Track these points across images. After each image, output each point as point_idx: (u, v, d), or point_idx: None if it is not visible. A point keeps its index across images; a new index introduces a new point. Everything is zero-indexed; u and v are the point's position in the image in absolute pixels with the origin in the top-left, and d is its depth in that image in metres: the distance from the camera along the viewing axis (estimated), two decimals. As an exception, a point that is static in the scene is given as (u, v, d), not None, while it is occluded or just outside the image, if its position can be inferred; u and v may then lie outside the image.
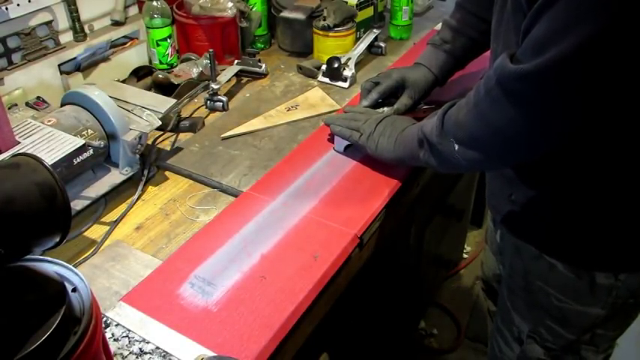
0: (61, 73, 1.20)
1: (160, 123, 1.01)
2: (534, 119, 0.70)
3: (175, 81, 1.24)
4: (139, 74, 1.28)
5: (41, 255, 0.56)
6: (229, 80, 1.29)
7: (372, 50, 1.46)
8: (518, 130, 0.72)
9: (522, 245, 0.92)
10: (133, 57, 1.34)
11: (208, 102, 1.23)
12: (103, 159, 0.98)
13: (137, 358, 0.69)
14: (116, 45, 1.32)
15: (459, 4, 1.11)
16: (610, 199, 0.80)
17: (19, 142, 0.85)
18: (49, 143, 0.86)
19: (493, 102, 0.72)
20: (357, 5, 1.42)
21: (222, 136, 1.13)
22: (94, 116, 0.95)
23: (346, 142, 1.03)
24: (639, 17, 0.59)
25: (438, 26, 1.53)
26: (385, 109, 1.10)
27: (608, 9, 0.59)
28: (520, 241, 0.93)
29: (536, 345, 0.98)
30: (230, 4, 1.33)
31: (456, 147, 0.80)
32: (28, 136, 0.87)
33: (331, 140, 1.07)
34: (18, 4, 1.08)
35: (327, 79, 1.33)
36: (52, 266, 0.55)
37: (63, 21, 1.20)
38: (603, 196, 0.80)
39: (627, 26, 0.59)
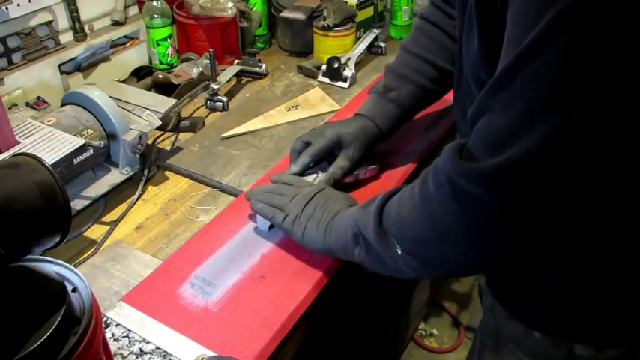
0: (61, 73, 1.20)
1: (160, 123, 1.01)
2: (489, 224, 0.59)
3: (175, 81, 1.24)
4: (139, 74, 1.28)
5: (41, 255, 0.56)
6: (229, 80, 1.29)
7: (372, 50, 1.46)
8: (471, 236, 0.61)
9: (496, 304, 0.79)
10: (133, 57, 1.34)
11: (208, 102, 1.23)
12: (103, 159, 0.98)
13: (137, 358, 0.69)
14: (116, 45, 1.32)
15: (403, 47, 0.98)
16: (587, 278, 0.69)
17: (19, 142, 0.85)
18: (49, 143, 0.86)
19: (443, 200, 0.61)
20: (357, 5, 1.42)
21: (222, 136, 1.13)
22: (94, 116, 0.95)
23: (269, 222, 0.85)
24: (614, 101, 0.50)
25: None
26: (319, 174, 0.93)
27: (580, 94, 0.50)
28: (495, 301, 0.80)
29: None
30: (230, 4, 1.33)
31: (399, 251, 0.67)
32: (28, 136, 0.87)
33: (252, 217, 0.89)
34: (18, 4, 1.08)
35: (327, 79, 1.33)
36: (52, 266, 0.55)
37: (63, 21, 1.20)
38: (580, 276, 0.70)
39: (603, 112, 0.50)
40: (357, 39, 1.43)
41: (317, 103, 1.25)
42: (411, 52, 0.96)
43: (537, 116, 0.51)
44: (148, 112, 1.01)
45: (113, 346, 0.69)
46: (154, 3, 1.29)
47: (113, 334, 0.71)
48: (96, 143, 0.93)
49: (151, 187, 1.01)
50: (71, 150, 0.86)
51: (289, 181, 0.89)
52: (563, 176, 0.54)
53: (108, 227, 0.91)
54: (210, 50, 1.18)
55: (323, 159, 0.95)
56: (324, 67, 1.33)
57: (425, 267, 0.67)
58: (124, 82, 1.24)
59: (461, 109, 0.74)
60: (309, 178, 0.92)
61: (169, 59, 1.35)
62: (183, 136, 1.14)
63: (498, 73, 0.54)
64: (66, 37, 1.21)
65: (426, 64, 0.94)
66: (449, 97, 0.93)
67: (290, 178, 0.90)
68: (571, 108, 0.50)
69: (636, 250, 0.67)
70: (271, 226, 0.86)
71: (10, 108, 1.04)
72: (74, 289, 0.53)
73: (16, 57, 1.13)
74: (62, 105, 0.98)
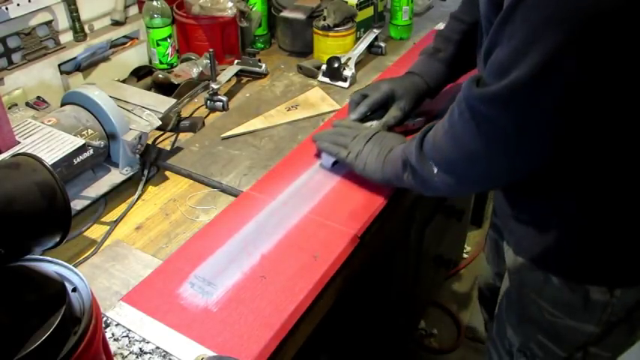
0: (61, 73, 1.20)
1: (160, 123, 1.01)
2: (504, 142, 0.68)
3: (175, 81, 1.24)
4: (139, 74, 1.29)
5: (41, 255, 0.56)
6: (229, 80, 1.29)
7: (372, 50, 1.46)
8: (490, 153, 0.71)
9: (519, 257, 0.89)
10: (133, 57, 1.34)
11: (208, 102, 1.23)
12: (103, 159, 0.98)
13: (137, 357, 0.69)
14: (116, 45, 1.32)
15: (453, 15, 1.08)
16: (603, 212, 0.77)
17: (19, 142, 0.85)
18: (49, 143, 0.86)
19: (465, 124, 0.71)
20: (357, 5, 1.42)
21: (222, 136, 1.13)
22: (94, 116, 0.95)
23: (333, 159, 0.98)
24: (601, 26, 0.57)
25: (439, 25, 1.54)
26: (374, 122, 1.05)
27: (567, 21, 0.58)
28: (517, 254, 0.89)
29: None
30: (230, 4, 1.33)
31: (435, 170, 0.78)
32: (28, 136, 0.87)
33: (318, 155, 1.02)
34: (18, 4, 1.08)
35: (327, 79, 1.33)
36: (52, 266, 0.55)
37: (63, 21, 1.20)
38: (596, 209, 0.77)
39: (589, 37, 0.58)
40: (357, 39, 1.43)
41: (317, 103, 1.25)
42: (458, 18, 1.06)
43: (533, 42, 0.60)
44: (148, 112, 1.01)
45: (113, 346, 0.69)
46: (154, 3, 1.29)
47: (113, 334, 0.71)
48: (96, 143, 0.93)
49: (151, 187, 1.01)
50: (71, 150, 0.86)
51: (350, 125, 1.03)
52: (562, 97, 0.62)
53: (108, 227, 0.91)
54: (210, 50, 1.17)
55: (378, 109, 1.06)
56: (324, 67, 1.33)
57: (457, 183, 0.78)
58: (124, 82, 1.24)
59: (481, 57, 0.81)
60: (366, 125, 1.04)
61: (169, 59, 1.35)
62: (183, 136, 1.14)
63: (503, 11, 0.63)
64: (66, 37, 1.21)
65: (471, 27, 1.01)
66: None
67: (350, 122, 1.04)
68: (560, 34, 0.58)
69: None
70: (334, 163, 0.99)
71: (10, 108, 1.04)
72: (74, 289, 0.53)
73: (16, 57, 1.13)
74: (62, 105, 0.98)
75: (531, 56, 0.60)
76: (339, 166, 0.99)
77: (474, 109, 0.69)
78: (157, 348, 0.69)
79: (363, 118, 1.06)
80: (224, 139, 1.13)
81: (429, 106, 1.11)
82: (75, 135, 0.90)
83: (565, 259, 0.82)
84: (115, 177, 0.97)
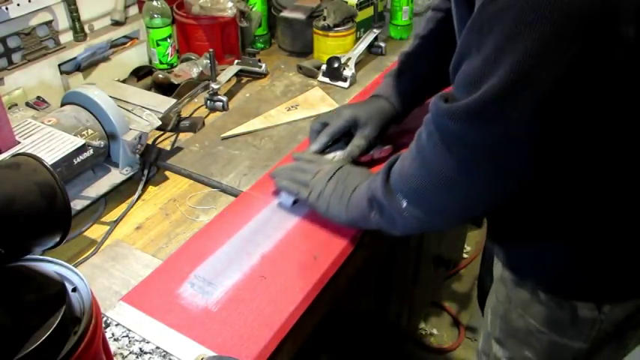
0: (61, 73, 1.20)
1: (160, 123, 1.01)
2: (479, 163, 0.62)
3: (175, 81, 1.24)
4: (139, 74, 1.28)
5: (41, 255, 0.56)
6: (229, 80, 1.29)
7: (372, 50, 1.46)
8: (464, 177, 0.64)
9: (506, 271, 0.85)
10: (133, 57, 1.34)
11: (208, 102, 1.23)
12: (103, 159, 0.98)
13: (137, 357, 0.69)
14: (116, 45, 1.32)
15: (417, 35, 1.03)
16: (589, 229, 0.73)
17: (19, 142, 0.85)
18: (49, 143, 0.86)
19: (434, 147, 0.65)
20: (357, 5, 1.42)
21: (222, 136, 1.13)
22: (94, 116, 0.95)
23: (293, 198, 0.91)
24: (576, 28, 0.53)
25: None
26: (338, 152, 0.97)
27: (540, 23, 0.53)
28: (505, 268, 0.85)
29: None
30: (230, 4, 1.33)
31: (404, 204, 0.72)
32: (28, 136, 0.87)
33: (277, 194, 0.94)
34: (18, 4, 1.08)
35: (327, 79, 1.33)
36: (52, 266, 0.55)
37: (63, 21, 1.20)
38: (582, 226, 0.73)
39: (565, 39, 0.53)
40: (357, 39, 1.43)
41: (317, 103, 1.25)
42: (423, 37, 1.01)
43: (504, 49, 0.55)
44: (147, 112, 1.01)
45: (113, 346, 0.69)
46: (154, 3, 1.29)
47: (113, 334, 0.71)
48: (96, 143, 0.93)
49: (151, 187, 1.01)
50: (71, 150, 0.86)
51: (311, 158, 0.95)
52: (539, 108, 0.56)
53: (108, 227, 0.91)
54: (210, 50, 1.17)
55: (340, 138, 0.99)
56: (324, 67, 1.33)
57: (428, 215, 0.72)
58: (124, 82, 1.24)
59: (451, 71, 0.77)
60: (329, 157, 0.97)
61: (169, 59, 1.35)
62: (183, 136, 1.14)
63: (471, 20, 0.58)
64: (66, 37, 1.21)
65: (438, 47, 0.97)
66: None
67: (311, 156, 0.96)
68: (530, 40, 0.53)
69: (632, 202, 0.70)
70: (295, 202, 0.91)
71: (10, 108, 1.04)
72: (74, 289, 0.53)
73: (16, 57, 1.13)
74: (62, 105, 0.98)
75: (503, 65, 0.55)
76: (299, 205, 0.91)
77: (442, 129, 0.63)
78: (157, 348, 0.70)
79: (325, 149, 0.98)
80: (224, 139, 1.13)
81: (396, 131, 1.03)
82: (75, 135, 0.90)
83: (552, 275, 0.79)
84: (115, 177, 0.97)
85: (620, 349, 0.85)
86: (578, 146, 0.64)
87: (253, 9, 1.44)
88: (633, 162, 0.67)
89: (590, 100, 0.58)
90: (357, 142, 0.97)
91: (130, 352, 0.69)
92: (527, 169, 0.62)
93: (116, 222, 0.92)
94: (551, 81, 0.55)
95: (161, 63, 1.34)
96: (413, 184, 0.70)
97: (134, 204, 0.96)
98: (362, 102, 1.02)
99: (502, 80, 0.56)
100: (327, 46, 1.39)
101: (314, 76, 1.35)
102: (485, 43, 0.57)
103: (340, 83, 1.32)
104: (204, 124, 1.18)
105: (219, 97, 1.22)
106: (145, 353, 0.69)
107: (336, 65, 1.31)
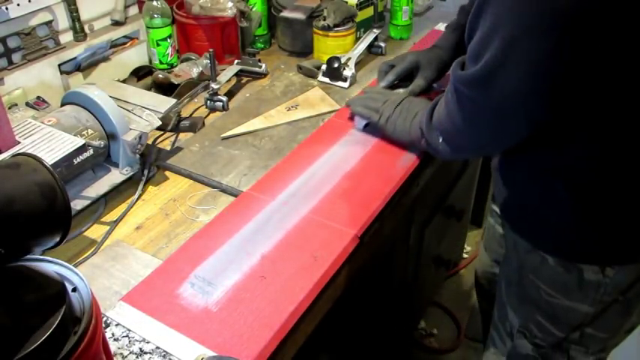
0: (61, 73, 1.20)
1: (160, 123, 1.01)
2: (484, 119, 0.79)
3: (175, 81, 1.24)
4: (139, 74, 1.28)
5: (41, 255, 0.56)
6: (229, 80, 1.29)
7: (372, 50, 1.46)
8: (474, 128, 0.82)
9: (518, 239, 0.94)
10: (133, 57, 1.34)
11: (208, 102, 1.23)
12: (103, 159, 0.98)
13: (137, 357, 0.69)
14: (116, 45, 1.32)
15: None
16: (596, 192, 0.81)
17: (19, 142, 0.85)
18: (49, 143, 0.86)
19: (454, 102, 0.82)
20: (357, 5, 1.42)
21: (222, 135, 1.13)
22: (94, 116, 0.95)
23: (365, 121, 1.09)
24: (556, 17, 0.64)
25: (438, 26, 1.54)
26: (401, 90, 1.16)
27: (525, 9, 0.66)
28: (516, 236, 0.94)
29: (526, 341, 0.99)
30: (230, 4, 1.33)
31: (440, 139, 0.90)
32: (28, 136, 0.87)
33: (351, 119, 1.13)
34: (18, 4, 1.08)
35: (327, 79, 1.33)
36: (52, 266, 0.55)
37: (63, 21, 1.20)
38: (589, 189, 0.81)
39: (547, 26, 0.66)
40: (357, 39, 1.43)
41: (317, 103, 1.25)
42: None
43: (497, 29, 0.69)
44: (148, 112, 1.01)
45: (113, 346, 0.69)
46: (154, 3, 1.29)
47: (113, 334, 0.71)
48: (96, 143, 0.93)
49: (151, 187, 1.01)
50: (71, 150, 0.86)
51: (380, 91, 1.14)
52: (526, 78, 0.70)
53: (108, 227, 0.91)
54: (210, 50, 1.17)
55: (404, 79, 1.18)
56: (324, 67, 1.33)
57: (454, 151, 0.91)
58: (124, 82, 1.24)
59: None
60: (395, 92, 1.14)
61: (169, 59, 1.35)
62: (183, 136, 1.14)
63: (476, 4, 0.73)
64: (66, 37, 1.21)
65: None
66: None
67: (380, 89, 1.17)
68: (519, 19, 0.67)
69: (634, 162, 0.78)
70: (366, 125, 1.09)
71: (10, 108, 1.04)
72: (74, 289, 0.53)
73: (16, 57, 1.13)
74: (62, 105, 0.98)
75: (495, 41, 0.69)
76: (369, 129, 1.09)
77: (458, 90, 0.80)
78: (157, 348, 0.69)
79: (391, 86, 1.17)
80: (224, 139, 1.13)
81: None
82: (75, 135, 0.90)
83: (558, 239, 0.88)
84: (115, 177, 0.97)
85: (624, 315, 0.91)
86: (577, 103, 0.74)
87: (253, 9, 1.44)
88: (633, 119, 0.75)
89: (575, 65, 0.69)
90: (419, 81, 1.15)
91: (130, 352, 0.69)
92: (524, 126, 0.77)
93: (116, 222, 0.92)
94: (533, 51, 0.68)
95: (161, 63, 1.34)
96: (443, 127, 0.88)
97: (134, 204, 0.96)
98: (423, 49, 1.19)
99: (493, 55, 0.70)
100: (327, 46, 1.39)
101: (314, 76, 1.35)
102: (485, 25, 0.71)
103: (340, 83, 1.32)
104: (204, 124, 1.18)
105: (219, 97, 1.22)
106: (145, 353, 0.69)
107: (336, 65, 1.31)
